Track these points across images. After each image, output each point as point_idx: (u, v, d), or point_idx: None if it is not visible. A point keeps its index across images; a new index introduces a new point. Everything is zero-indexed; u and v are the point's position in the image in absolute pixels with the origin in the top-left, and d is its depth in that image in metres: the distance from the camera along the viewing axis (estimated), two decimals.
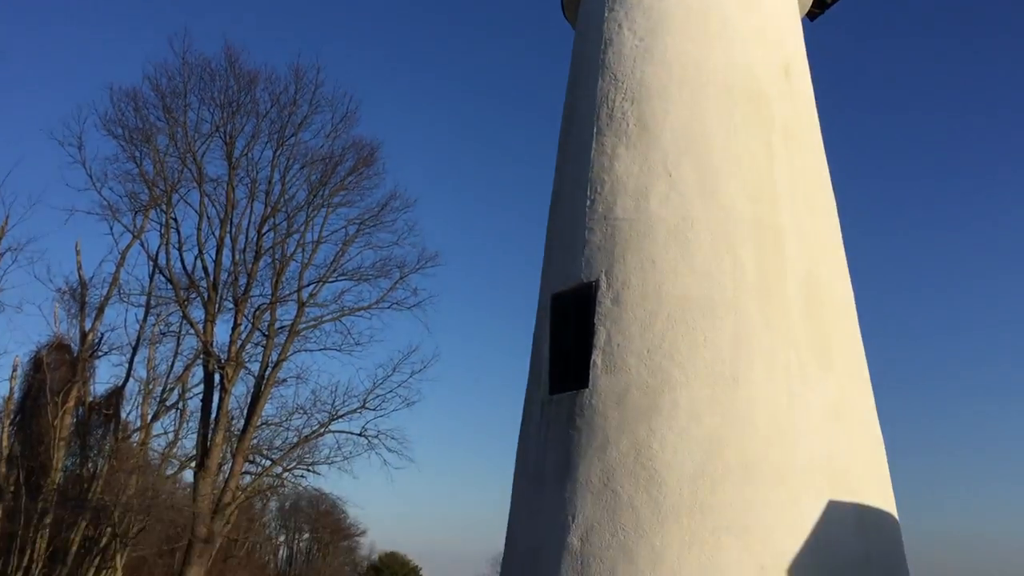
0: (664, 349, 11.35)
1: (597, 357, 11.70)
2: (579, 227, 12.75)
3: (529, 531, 11.79)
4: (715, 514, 10.42)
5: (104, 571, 32.47)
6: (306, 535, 72.59)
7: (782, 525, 10.50)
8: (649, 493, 10.66)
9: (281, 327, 35.89)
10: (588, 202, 12.76)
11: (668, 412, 11.00)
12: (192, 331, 35.18)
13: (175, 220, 35.93)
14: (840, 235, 13.28)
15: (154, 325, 37.29)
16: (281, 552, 72.33)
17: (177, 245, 35.94)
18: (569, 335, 12.41)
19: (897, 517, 12.05)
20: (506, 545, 12.68)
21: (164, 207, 35.59)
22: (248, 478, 37.37)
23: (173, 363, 37.38)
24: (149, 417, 36.78)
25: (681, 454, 10.75)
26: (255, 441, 36.23)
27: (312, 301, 36.35)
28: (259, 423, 35.37)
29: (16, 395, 36.04)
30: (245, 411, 35.14)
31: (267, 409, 35.91)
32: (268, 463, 37.27)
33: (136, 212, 35.86)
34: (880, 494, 11.71)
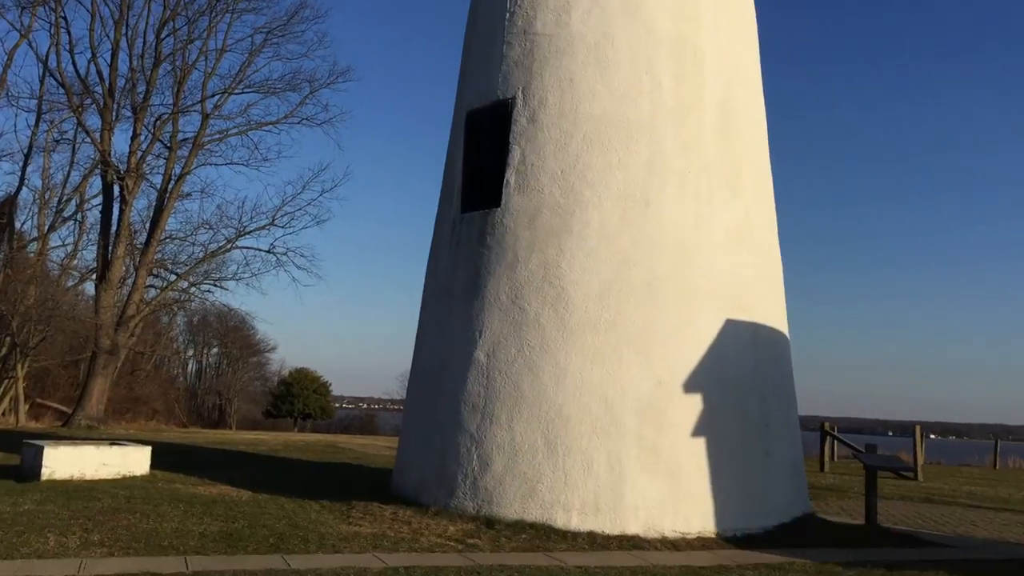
0: (578, 170, 11.30)
1: (511, 176, 11.60)
2: (497, 42, 12.32)
3: (437, 347, 12.00)
4: (618, 331, 10.75)
5: (5, 381, 32.09)
6: (215, 350, 72.79)
7: (681, 342, 10.92)
8: (556, 311, 10.89)
9: (184, 139, 34.54)
10: (507, 15, 12.27)
11: (579, 232, 11.08)
12: (88, 140, 33.59)
13: (65, 19, 33.53)
14: (758, 61, 13.19)
15: (47, 132, 35.40)
16: (190, 366, 72.63)
17: (68, 47, 33.70)
18: (483, 154, 12.22)
19: (788, 335, 12.68)
20: (414, 361, 12.91)
21: (53, 3, 33.08)
22: (153, 292, 36.90)
23: (69, 173, 35.82)
24: (46, 227, 35.47)
25: (589, 273, 10.93)
26: (159, 255, 35.54)
27: (217, 113, 34.92)
28: (163, 237, 34.58)
29: None
30: (148, 224, 34.23)
31: (171, 223, 35.08)
32: (173, 277, 36.78)
33: (23, 8, 33.25)
34: (774, 313, 12.25)
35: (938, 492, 19.37)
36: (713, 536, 10.38)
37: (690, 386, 10.81)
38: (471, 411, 11.00)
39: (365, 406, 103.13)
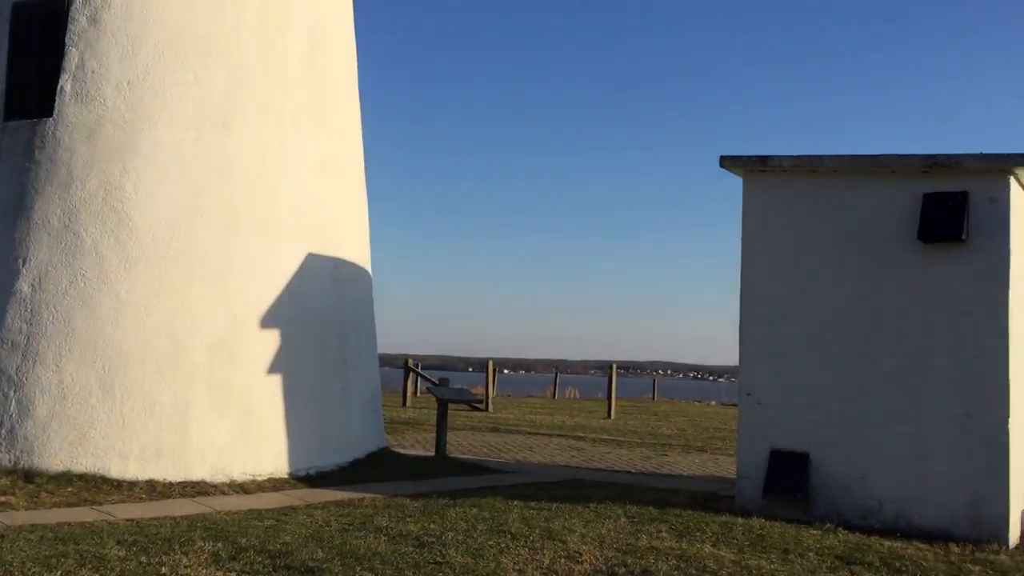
0: (149, 83, 10.14)
1: (66, 83, 10.10)
2: None
3: None
4: (190, 262, 9.91)
5: None
6: None
7: (260, 275, 10.38)
8: (118, 238, 9.75)
9: None
10: None
11: (148, 152, 9.98)
12: None
13: None
14: None
15: None
16: None
17: None
18: (33, 55, 10.50)
19: (371, 272, 12.69)
20: None
21: None
22: None
23: None
24: None
25: (158, 198, 9.92)
26: None
27: None
28: None
29: None
30: None
31: None
32: None
33: None
34: (358, 251, 12.15)
35: (504, 422, 21.00)
36: (286, 476, 10.11)
37: (267, 321, 10.34)
38: (10, 350, 9.51)
39: None
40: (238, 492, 9.33)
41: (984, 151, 8.23)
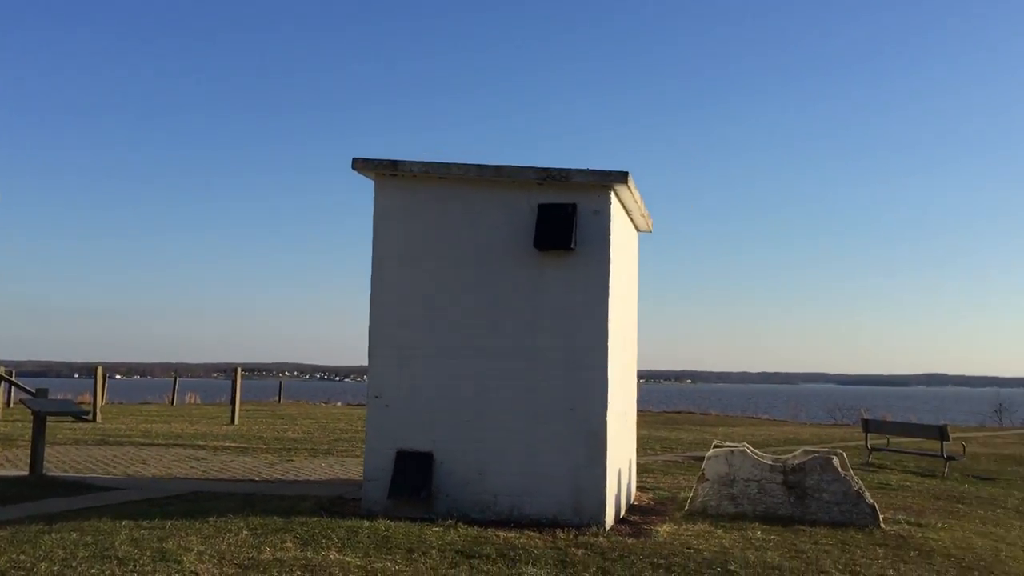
0: None
1: None
2: None
3: None
4: None
5: None
6: None
7: None
8: None
9: None
10: None
11: None
12: None
13: None
14: None
15: None
16: None
17: None
18: None
19: None
20: None
21: None
22: None
23: None
24: None
25: None
26: None
27: None
28: None
29: None
30: None
31: None
32: None
33: None
34: None
35: (115, 433, 19.29)
36: None
37: None
38: None
39: None
40: None
41: (595, 167, 9.00)
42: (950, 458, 14.96)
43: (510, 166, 9.14)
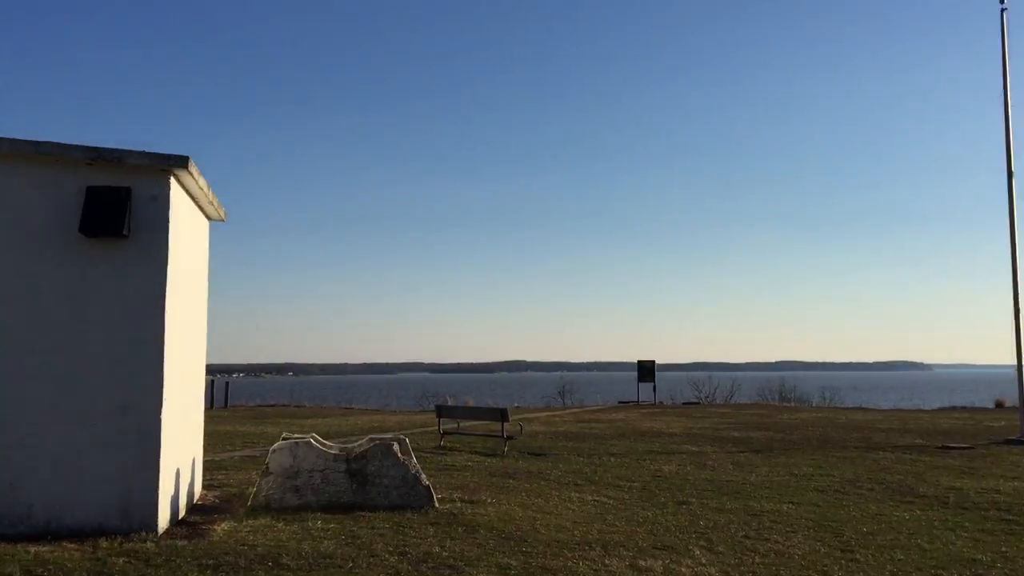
0: None
1: None
2: None
3: None
4: None
5: None
6: None
7: None
8: None
9: None
10: None
11: None
12: None
13: None
14: None
15: None
16: None
17: None
18: None
19: None
20: None
21: None
22: None
23: None
24: None
25: None
26: None
27: None
28: None
29: None
30: None
31: None
32: None
33: None
34: None
35: None
36: None
37: None
38: None
39: None
40: None
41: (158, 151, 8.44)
42: (509, 437, 16.38)
43: (53, 142, 8.26)
